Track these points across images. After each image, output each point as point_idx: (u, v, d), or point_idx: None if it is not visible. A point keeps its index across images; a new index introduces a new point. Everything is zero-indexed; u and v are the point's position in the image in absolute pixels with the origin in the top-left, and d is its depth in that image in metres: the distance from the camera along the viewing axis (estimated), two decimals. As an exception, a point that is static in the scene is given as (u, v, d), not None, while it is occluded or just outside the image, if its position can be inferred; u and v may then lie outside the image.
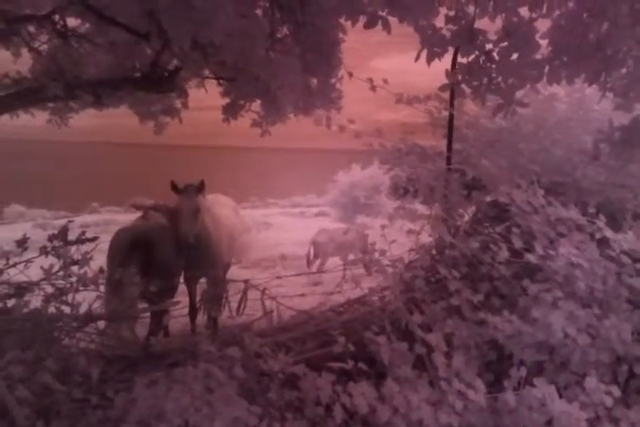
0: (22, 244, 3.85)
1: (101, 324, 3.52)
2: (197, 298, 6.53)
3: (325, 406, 2.85)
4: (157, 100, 5.82)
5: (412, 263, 3.65)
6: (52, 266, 3.44)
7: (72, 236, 3.87)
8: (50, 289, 3.62)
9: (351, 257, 10.81)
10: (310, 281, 9.78)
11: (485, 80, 2.43)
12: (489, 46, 2.37)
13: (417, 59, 2.44)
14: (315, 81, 5.77)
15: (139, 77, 4.69)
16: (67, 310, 3.38)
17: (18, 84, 4.68)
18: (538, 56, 2.33)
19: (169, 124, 6.51)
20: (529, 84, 2.48)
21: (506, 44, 2.29)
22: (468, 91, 2.57)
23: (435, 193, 3.72)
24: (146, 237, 5.04)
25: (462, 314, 3.18)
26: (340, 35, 5.86)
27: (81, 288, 3.59)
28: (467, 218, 3.72)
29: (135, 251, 4.76)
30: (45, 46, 5.29)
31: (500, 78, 2.41)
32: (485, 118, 3.98)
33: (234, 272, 9.22)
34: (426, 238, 3.67)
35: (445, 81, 2.77)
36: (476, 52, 2.38)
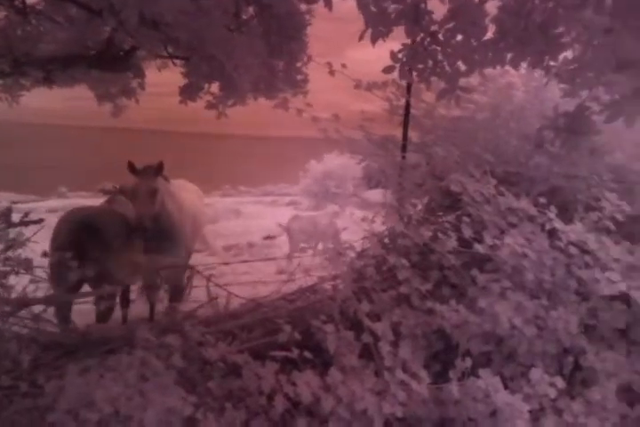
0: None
1: (37, 309, 3.39)
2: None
3: (268, 396, 2.79)
4: (115, 81, 5.65)
5: (364, 252, 3.59)
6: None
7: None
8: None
9: (321, 246, 10.78)
10: (277, 269, 9.73)
11: (430, 63, 2.36)
12: (434, 27, 2.30)
13: (360, 38, 2.36)
14: (281, 64, 5.66)
15: (92, 55, 4.53)
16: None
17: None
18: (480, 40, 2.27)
19: (144, 109, 6.35)
20: (477, 70, 2.42)
21: (451, 25, 2.22)
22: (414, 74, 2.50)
23: (388, 181, 3.67)
24: (89, 220, 4.89)
25: (411, 303, 3.13)
26: (307, 17, 5.76)
27: (22, 271, 3.46)
28: (420, 207, 3.67)
29: (76, 235, 4.61)
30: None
31: (445, 62, 2.34)
32: (442, 106, 3.93)
33: (200, 260, 9.10)
34: (380, 227, 3.62)
35: None
36: (422, 34, 2.30)
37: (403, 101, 3.91)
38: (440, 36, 2.28)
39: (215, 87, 5.00)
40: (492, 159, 3.48)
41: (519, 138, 3.69)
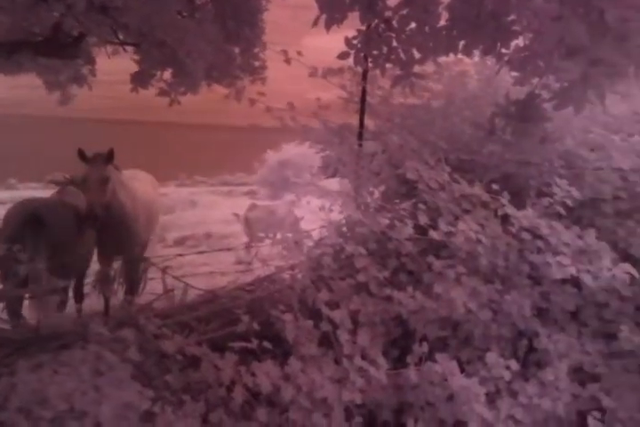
0: None
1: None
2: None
3: (227, 387, 2.77)
4: (64, 68, 5.46)
5: (321, 241, 3.59)
6: None
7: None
8: None
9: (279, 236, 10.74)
10: (236, 260, 9.66)
11: (385, 50, 2.36)
12: (388, 14, 2.29)
13: (314, 24, 2.32)
14: (237, 50, 5.57)
15: (40, 42, 4.36)
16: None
17: None
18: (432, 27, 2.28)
19: (99, 98, 6.17)
20: (431, 57, 2.43)
21: (405, 11, 2.22)
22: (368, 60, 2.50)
23: (345, 170, 3.67)
24: (37, 212, 4.74)
25: (369, 291, 3.15)
26: (264, 2, 5.67)
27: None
28: (377, 195, 3.69)
29: (25, 227, 4.47)
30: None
31: (399, 49, 2.34)
32: (398, 94, 3.94)
33: (156, 251, 8.95)
34: (337, 216, 3.62)
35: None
36: (376, 20, 2.29)
37: (358, 89, 3.90)
38: (394, 23, 2.27)
39: (168, 74, 4.89)
40: (447, 147, 3.51)
41: (472, 125, 3.74)
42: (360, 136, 3.73)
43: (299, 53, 3.89)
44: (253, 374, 2.77)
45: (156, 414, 2.46)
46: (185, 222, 15.09)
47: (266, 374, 2.79)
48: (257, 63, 5.76)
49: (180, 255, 4.48)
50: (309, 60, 3.92)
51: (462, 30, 2.13)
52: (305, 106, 4.08)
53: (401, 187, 3.60)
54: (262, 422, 2.72)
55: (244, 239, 11.14)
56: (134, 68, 5.22)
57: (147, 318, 2.84)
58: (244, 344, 2.85)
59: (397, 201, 3.52)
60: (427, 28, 2.19)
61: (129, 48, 5.09)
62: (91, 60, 5.18)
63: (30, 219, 4.68)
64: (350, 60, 2.78)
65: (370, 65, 2.52)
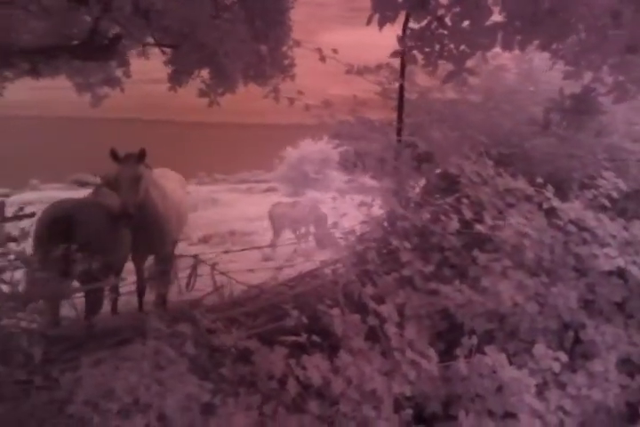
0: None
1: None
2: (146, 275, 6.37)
3: (279, 380, 2.83)
4: (97, 70, 5.55)
5: (363, 236, 3.63)
6: (-11, 244, 3.26)
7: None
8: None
9: (304, 230, 10.83)
10: (262, 256, 9.73)
11: (437, 47, 2.39)
12: (441, 12, 2.33)
13: (368, 22, 2.37)
14: (265, 48, 5.61)
15: (76, 45, 4.44)
16: (4, 289, 3.22)
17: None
18: (489, 23, 2.30)
19: (112, 97, 6.25)
20: (480, 52, 2.46)
21: (457, 9, 2.25)
22: (419, 58, 2.53)
23: (385, 165, 3.69)
24: (69, 213, 4.81)
25: (414, 285, 3.19)
26: (290, 1, 5.70)
27: (20, 266, 3.42)
28: (417, 190, 3.72)
29: (57, 228, 4.53)
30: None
31: (452, 45, 2.37)
32: (436, 89, 3.96)
33: (182, 249, 9.06)
34: (378, 211, 3.66)
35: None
36: (428, 18, 2.33)
37: (396, 85, 3.93)
38: (447, 20, 2.30)
39: (204, 73, 4.96)
40: (487, 141, 3.53)
41: (512, 119, 3.75)
42: (399, 132, 3.77)
43: (334, 51, 3.93)
44: (304, 368, 2.82)
45: (215, 406, 2.52)
46: (208, 220, 15.20)
47: (316, 367, 2.84)
48: (286, 61, 5.79)
49: (226, 252, 4.54)
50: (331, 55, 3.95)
51: (518, 27, 2.15)
52: (318, 100, 4.12)
53: (442, 181, 3.63)
54: (315, 414, 2.77)
55: (268, 236, 11.23)
56: (154, 66, 5.31)
57: (201, 312, 2.91)
58: (295, 338, 2.90)
59: (437, 196, 3.55)
60: (480, 25, 2.22)
61: (157, 49, 5.18)
62: (125, 62, 5.26)
63: (62, 220, 4.75)
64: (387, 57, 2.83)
65: (421, 62, 2.55)
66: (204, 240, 12.73)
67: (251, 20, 5.13)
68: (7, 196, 20.33)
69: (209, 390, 2.53)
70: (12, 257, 3.47)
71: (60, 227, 4.42)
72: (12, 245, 3.64)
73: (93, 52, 4.52)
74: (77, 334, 3.12)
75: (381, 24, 2.34)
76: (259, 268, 7.37)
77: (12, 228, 3.63)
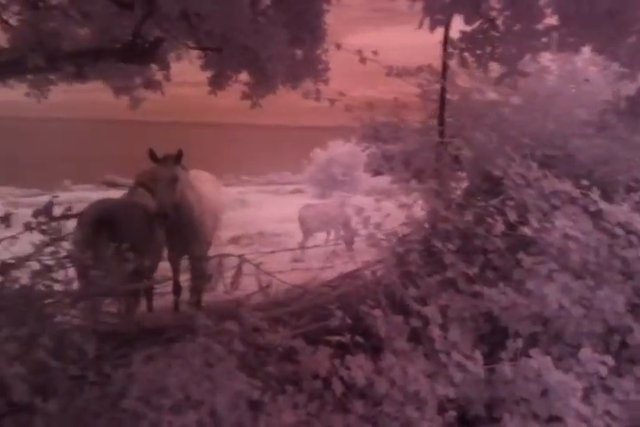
0: (5, 220, 3.74)
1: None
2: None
3: (323, 380, 2.85)
4: (137, 73, 5.64)
5: (405, 237, 3.64)
6: (43, 242, 3.35)
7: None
8: (36, 266, 3.54)
9: (334, 232, 10.86)
10: (292, 258, 9.76)
11: (489, 49, 2.40)
12: (493, 14, 2.34)
13: (419, 26, 2.39)
14: (299, 52, 5.65)
15: (120, 49, 4.53)
16: (56, 286, 3.31)
17: (-3, 55, 4.49)
18: (542, 25, 2.30)
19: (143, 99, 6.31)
20: (530, 54, 2.46)
21: (509, 12, 2.26)
22: (470, 60, 2.54)
23: (427, 167, 3.71)
24: (113, 213, 4.89)
25: (457, 287, 3.19)
26: (325, 5, 5.73)
27: (68, 265, 3.51)
28: (459, 191, 3.72)
29: (103, 227, 4.61)
30: (16, 18, 5.08)
31: (503, 47, 2.38)
32: (477, 91, 3.96)
33: (212, 249, 9.15)
34: (418, 212, 3.67)
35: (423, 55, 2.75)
36: (480, 20, 2.34)
37: (435, 87, 3.94)
38: (499, 23, 2.31)
39: (242, 77, 5.02)
40: (531, 142, 3.52)
41: (555, 121, 3.73)
42: (441, 133, 3.77)
43: (374, 53, 3.96)
44: (348, 368, 2.85)
45: (263, 404, 2.56)
46: (236, 221, 15.28)
47: (360, 367, 2.87)
48: (320, 66, 5.81)
49: (272, 252, 4.60)
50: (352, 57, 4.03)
51: (573, 29, 2.15)
52: (350, 101, 4.16)
53: (484, 183, 3.62)
54: (359, 413, 2.80)
55: (297, 238, 11.27)
56: (183, 69, 5.39)
57: (248, 311, 2.96)
58: (339, 338, 2.93)
59: (480, 198, 3.54)
60: (532, 27, 2.22)
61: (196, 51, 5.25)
62: (165, 66, 5.34)
63: (105, 219, 4.83)
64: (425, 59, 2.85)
65: (472, 64, 2.56)
66: (234, 241, 12.80)
67: (286, 23, 5.17)
68: (35, 196, 20.78)
69: (258, 388, 2.56)
70: (60, 256, 3.57)
71: (105, 226, 4.51)
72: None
73: (136, 56, 4.60)
74: (127, 331, 3.20)
75: (432, 28, 2.36)
76: (293, 268, 7.41)
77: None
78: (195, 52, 5.27)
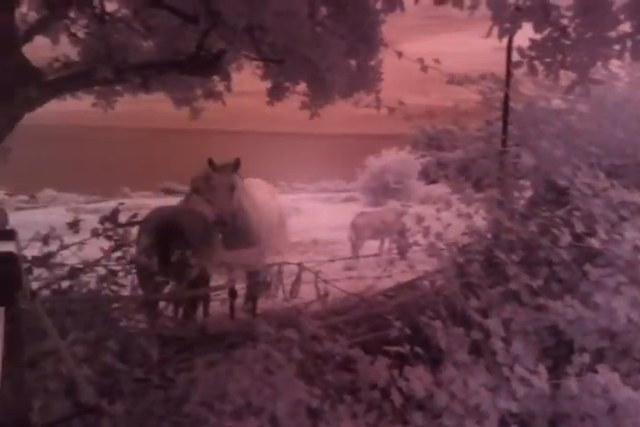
0: (74, 226, 3.90)
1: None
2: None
3: (381, 390, 2.84)
4: (199, 85, 5.79)
5: (465, 247, 3.59)
6: (110, 248, 3.48)
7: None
8: (102, 271, 3.67)
9: (388, 241, 10.79)
10: (344, 266, 9.75)
11: (559, 57, 2.35)
12: (564, 22, 2.29)
13: (487, 35, 2.37)
14: (354, 62, 5.68)
15: (183, 61, 4.66)
16: (122, 291, 3.42)
17: (67, 67, 4.71)
18: (613, 32, 2.24)
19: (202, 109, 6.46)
20: (600, 62, 2.39)
21: (581, 19, 2.21)
22: (540, 68, 2.49)
23: (486, 175, 3.65)
24: (176, 220, 5.00)
25: (520, 299, 3.12)
26: (382, 16, 5.74)
27: (133, 271, 3.62)
28: (522, 201, 3.64)
29: (167, 235, 4.71)
30: (83, 31, 5.30)
31: (574, 55, 2.32)
32: (542, 98, 3.88)
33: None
34: (479, 222, 3.61)
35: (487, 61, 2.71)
36: (549, 28, 2.30)
37: (497, 94, 3.89)
38: (570, 31, 2.27)
39: (299, 87, 5.09)
40: (598, 151, 3.41)
41: (625, 129, 3.60)
42: (504, 142, 3.71)
43: (436, 62, 3.94)
44: (407, 379, 2.82)
45: (323, 412, 2.57)
46: (291, 229, 15.38)
47: (419, 379, 2.84)
48: (374, 76, 5.82)
49: (331, 261, 4.63)
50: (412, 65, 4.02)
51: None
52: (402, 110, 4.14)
53: (549, 193, 3.53)
54: (418, 425, 2.77)
55: (350, 246, 11.26)
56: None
57: (307, 319, 2.97)
58: (398, 349, 2.91)
59: (544, 208, 3.46)
60: (605, 35, 2.16)
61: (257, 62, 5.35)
62: (227, 77, 5.46)
63: (169, 226, 4.95)
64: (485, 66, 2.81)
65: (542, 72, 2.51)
66: (288, 248, 12.90)
67: (344, 34, 5.20)
68: (96, 202, 21.56)
69: (317, 396, 2.57)
70: (125, 261, 3.70)
71: (169, 234, 4.62)
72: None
73: (199, 68, 4.72)
74: (189, 335, 3.27)
75: (500, 36, 2.33)
76: (345, 277, 7.41)
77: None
78: (255, 63, 5.39)
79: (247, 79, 5.94)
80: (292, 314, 3.35)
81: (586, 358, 2.78)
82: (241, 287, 6.29)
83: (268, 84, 5.20)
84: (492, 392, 2.82)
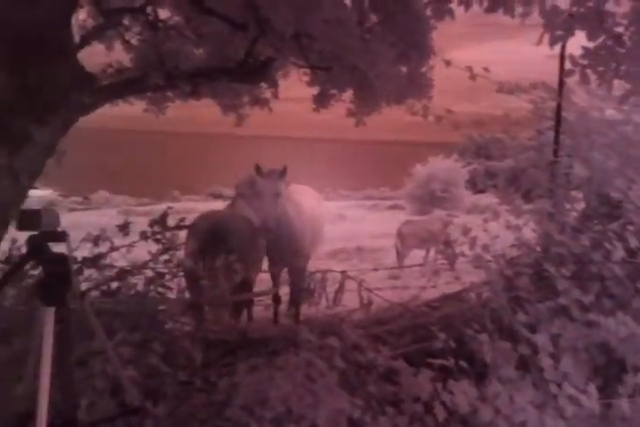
0: (124, 228, 4.00)
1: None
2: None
3: (424, 403, 2.79)
4: (247, 91, 5.87)
5: (513, 260, 3.51)
6: (158, 251, 3.55)
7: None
8: (150, 273, 3.75)
9: (433, 250, 10.66)
10: (389, 275, 9.67)
11: (613, 66, 2.28)
12: (618, 30, 2.22)
13: (539, 42, 2.33)
14: (404, 69, 5.65)
15: (233, 68, 4.74)
16: (168, 294, 3.48)
17: (120, 73, 4.84)
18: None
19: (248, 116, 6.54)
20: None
21: (636, 27, 2.13)
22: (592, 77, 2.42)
23: (536, 186, 3.57)
24: (223, 226, 5.06)
25: (570, 314, 3.03)
26: (433, 22, 5.70)
27: (180, 274, 3.68)
28: (574, 214, 3.54)
29: (215, 240, 4.76)
30: (137, 38, 5.46)
31: (629, 64, 2.25)
32: (595, 109, 3.76)
33: (310, 263, 9.26)
34: (528, 234, 3.52)
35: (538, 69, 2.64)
36: (603, 36, 2.23)
37: (548, 104, 3.80)
38: (625, 39, 2.20)
39: (345, 95, 5.10)
40: (655, 164, 3.29)
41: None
42: (555, 152, 3.62)
43: (485, 70, 3.88)
44: (451, 393, 2.77)
45: (365, 423, 2.54)
46: (335, 236, 15.37)
47: (463, 393, 2.78)
48: (424, 82, 5.77)
49: (375, 270, 4.60)
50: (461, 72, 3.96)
51: None
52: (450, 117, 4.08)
53: (602, 206, 3.42)
54: (461, 440, 2.71)
55: (394, 254, 11.16)
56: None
57: (350, 328, 2.96)
58: (442, 362, 2.86)
59: (596, 221, 3.35)
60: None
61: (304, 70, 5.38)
62: (274, 84, 5.52)
63: (216, 232, 5.02)
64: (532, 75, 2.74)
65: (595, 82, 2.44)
66: (332, 255, 12.89)
67: (394, 41, 5.18)
68: (146, 205, 22.11)
69: (359, 407, 2.55)
70: (172, 264, 3.77)
71: (216, 239, 4.68)
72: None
73: (248, 75, 4.78)
74: (232, 340, 3.30)
75: (552, 44, 2.28)
76: (388, 286, 7.35)
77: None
78: (301, 69, 5.42)
79: (293, 85, 6.00)
80: (335, 322, 3.34)
81: (639, 378, 2.67)
82: (284, 293, 6.31)
83: (314, 91, 5.24)
84: (538, 410, 2.74)
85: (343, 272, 4.67)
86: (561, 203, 3.39)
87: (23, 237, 1.92)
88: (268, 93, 5.84)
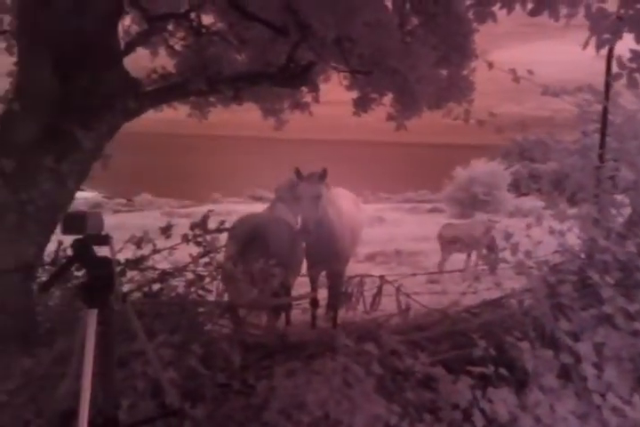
0: (166, 231, 4.07)
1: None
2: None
3: (462, 411, 2.76)
4: (288, 96, 5.92)
5: (557, 266, 3.43)
6: (199, 253, 3.61)
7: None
8: (190, 276, 3.80)
9: (474, 255, 10.49)
10: (428, 279, 9.57)
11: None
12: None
13: (585, 46, 2.27)
14: (444, 72, 5.59)
15: (274, 72, 4.78)
16: (208, 296, 3.53)
17: (164, 79, 4.94)
18: None
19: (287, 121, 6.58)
20: None
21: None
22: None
23: (581, 190, 3.48)
24: (263, 229, 5.09)
25: (614, 323, 2.94)
26: (475, 25, 5.63)
27: (219, 277, 3.72)
28: (620, 219, 3.43)
29: (254, 243, 4.81)
30: (180, 44, 5.56)
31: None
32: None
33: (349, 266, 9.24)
34: (572, 240, 3.44)
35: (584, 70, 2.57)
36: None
37: (594, 107, 3.70)
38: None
39: (386, 99, 5.09)
40: None
41: None
42: (601, 157, 3.53)
43: (529, 73, 3.81)
44: (490, 401, 2.73)
45: (401, 430, 2.52)
46: (373, 238, 15.31)
47: (503, 401, 2.74)
48: (466, 85, 5.70)
49: (414, 275, 4.57)
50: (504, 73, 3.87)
51: None
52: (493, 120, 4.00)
53: (650, 212, 3.32)
54: (500, 449, 2.67)
55: (434, 258, 11.04)
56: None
57: (388, 334, 2.95)
58: (481, 369, 2.82)
59: (643, 227, 3.25)
60: None
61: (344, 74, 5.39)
62: (315, 88, 5.55)
63: (256, 235, 5.06)
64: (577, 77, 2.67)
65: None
66: (370, 258, 12.85)
67: (435, 43, 5.14)
68: (188, 207, 22.49)
69: (397, 413, 2.53)
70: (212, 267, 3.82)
71: (256, 242, 4.72)
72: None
73: (289, 79, 4.81)
74: (270, 343, 3.32)
75: (599, 47, 2.22)
76: (426, 291, 7.28)
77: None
78: (341, 73, 5.44)
79: (333, 89, 6.02)
80: (372, 327, 3.33)
81: (687, 390, 2.58)
82: (322, 297, 6.31)
83: (354, 95, 5.25)
84: (581, 420, 2.67)
85: (381, 277, 4.63)
86: (606, 208, 3.30)
87: (69, 238, 1.97)
88: (308, 97, 5.89)
